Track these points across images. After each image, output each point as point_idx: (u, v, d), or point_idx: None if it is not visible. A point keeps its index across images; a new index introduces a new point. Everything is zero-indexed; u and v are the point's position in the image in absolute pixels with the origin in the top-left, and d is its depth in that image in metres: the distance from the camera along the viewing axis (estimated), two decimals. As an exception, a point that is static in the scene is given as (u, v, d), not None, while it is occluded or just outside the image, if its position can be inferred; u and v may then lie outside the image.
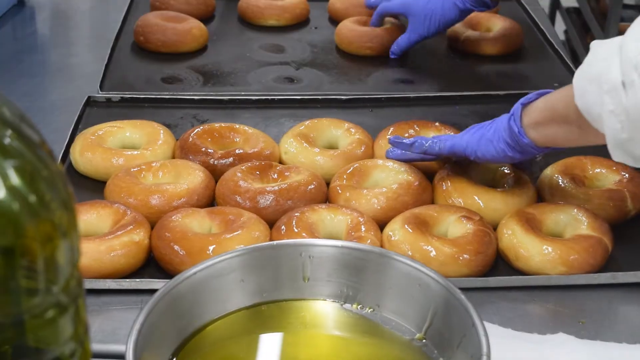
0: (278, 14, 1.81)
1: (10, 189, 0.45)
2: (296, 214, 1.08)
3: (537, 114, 1.04)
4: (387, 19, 1.72)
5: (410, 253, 1.02)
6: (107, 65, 1.58)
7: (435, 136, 1.18)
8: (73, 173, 1.24)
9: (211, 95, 1.49)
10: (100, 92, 1.48)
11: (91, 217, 1.07)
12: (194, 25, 1.69)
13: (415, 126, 1.32)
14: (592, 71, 0.91)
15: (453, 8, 1.55)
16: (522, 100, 1.07)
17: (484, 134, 1.11)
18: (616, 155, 0.92)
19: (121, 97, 1.46)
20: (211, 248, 1.02)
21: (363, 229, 1.06)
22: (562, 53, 1.70)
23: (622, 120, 0.87)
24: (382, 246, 1.05)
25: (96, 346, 0.90)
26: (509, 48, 1.70)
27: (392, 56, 1.65)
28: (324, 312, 0.90)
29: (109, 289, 1.01)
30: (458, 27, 1.72)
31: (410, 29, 1.61)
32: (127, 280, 1.02)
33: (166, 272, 1.04)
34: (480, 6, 1.54)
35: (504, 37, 1.69)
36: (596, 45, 0.94)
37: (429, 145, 1.17)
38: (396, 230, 1.06)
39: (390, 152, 1.23)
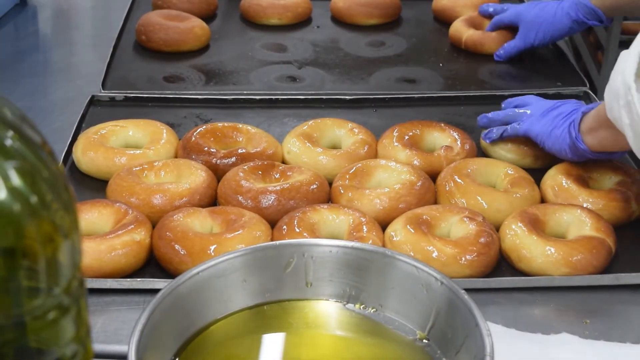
0: (280, 13, 1.81)
1: (12, 190, 0.45)
2: (298, 214, 1.08)
3: (590, 120, 1.14)
4: None
5: (412, 253, 1.02)
6: (109, 65, 1.57)
7: (512, 113, 1.30)
8: (75, 172, 1.24)
9: (215, 94, 1.49)
10: (102, 92, 1.48)
11: (92, 216, 1.07)
12: (196, 24, 1.68)
13: (419, 127, 1.31)
14: (611, 85, 0.97)
15: (565, 18, 1.55)
16: (583, 108, 1.17)
17: (555, 127, 1.19)
18: None
19: (125, 96, 1.46)
20: (212, 248, 1.02)
21: (365, 229, 1.06)
22: (565, 52, 1.69)
23: (637, 132, 0.94)
24: (384, 246, 1.05)
25: (98, 346, 0.90)
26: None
27: (496, 58, 1.66)
28: (327, 312, 0.90)
29: (110, 289, 1.01)
30: (460, 26, 1.71)
31: (519, 36, 1.63)
32: (128, 279, 1.02)
33: (167, 272, 1.04)
34: (594, 20, 1.53)
35: (506, 37, 1.68)
36: (620, 57, 0.98)
37: (511, 129, 1.28)
38: (398, 230, 1.06)
39: (486, 136, 1.32)
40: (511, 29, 1.67)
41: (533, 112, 1.26)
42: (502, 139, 1.29)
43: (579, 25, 1.55)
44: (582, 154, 1.16)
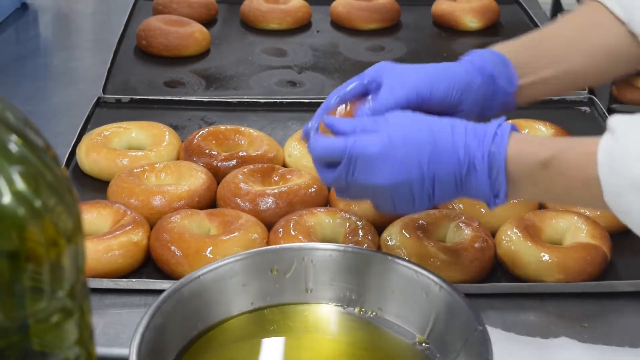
0: (280, 18, 1.81)
1: (16, 194, 0.45)
2: (294, 217, 1.08)
3: (545, 172, 0.85)
4: None
5: (406, 258, 1.02)
6: (109, 69, 1.58)
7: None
8: (78, 173, 1.25)
9: (219, 98, 1.49)
10: (104, 95, 1.49)
11: (91, 217, 1.08)
12: (196, 29, 1.69)
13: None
14: (630, 174, 0.78)
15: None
16: (497, 146, 0.85)
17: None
18: None
19: (130, 98, 1.47)
20: (208, 250, 1.02)
21: (361, 233, 1.06)
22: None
23: None
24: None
25: (100, 350, 0.90)
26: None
27: None
28: (327, 316, 0.91)
29: (110, 290, 1.01)
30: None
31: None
32: (124, 280, 1.02)
33: (164, 273, 1.04)
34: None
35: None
36: (621, 130, 0.79)
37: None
38: (393, 234, 1.06)
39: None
40: None
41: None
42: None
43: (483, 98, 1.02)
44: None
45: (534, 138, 0.91)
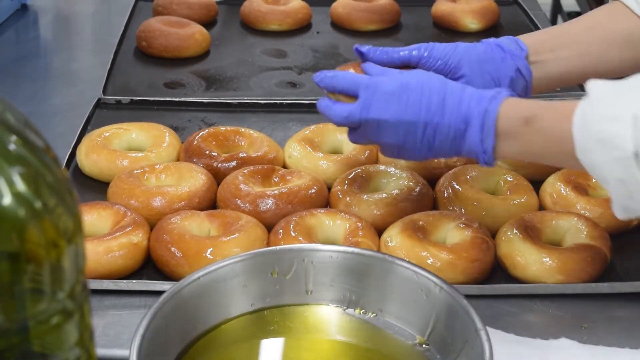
0: (280, 19, 1.81)
1: (16, 195, 0.45)
2: (294, 218, 1.08)
3: (527, 128, 0.92)
4: None
5: (406, 259, 1.02)
6: (109, 70, 1.58)
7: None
8: (78, 174, 1.25)
9: (219, 99, 1.49)
10: (105, 96, 1.49)
11: (92, 218, 1.08)
12: (197, 30, 1.69)
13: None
14: (598, 131, 0.83)
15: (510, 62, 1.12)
16: (491, 105, 0.94)
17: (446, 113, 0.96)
18: (620, 214, 0.89)
19: (131, 99, 1.47)
20: (208, 251, 1.02)
21: (361, 234, 1.06)
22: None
23: (632, 190, 0.83)
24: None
25: (100, 351, 0.90)
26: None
27: None
28: (327, 317, 0.90)
29: (110, 291, 1.01)
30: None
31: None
32: (124, 281, 1.02)
33: (164, 274, 1.04)
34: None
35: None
36: (597, 92, 0.85)
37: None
38: (393, 236, 1.06)
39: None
40: None
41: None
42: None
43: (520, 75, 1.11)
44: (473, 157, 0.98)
45: (526, 100, 0.96)
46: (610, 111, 0.83)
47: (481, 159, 0.96)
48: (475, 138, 0.95)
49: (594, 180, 1.20)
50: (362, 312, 0.90)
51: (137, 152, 1.25)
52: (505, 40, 1.10)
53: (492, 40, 1.10)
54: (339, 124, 1.02)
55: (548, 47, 1.10)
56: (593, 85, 0.86)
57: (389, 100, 0.97)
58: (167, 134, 1.30)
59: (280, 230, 1.06)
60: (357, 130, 1.01)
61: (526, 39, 1.11)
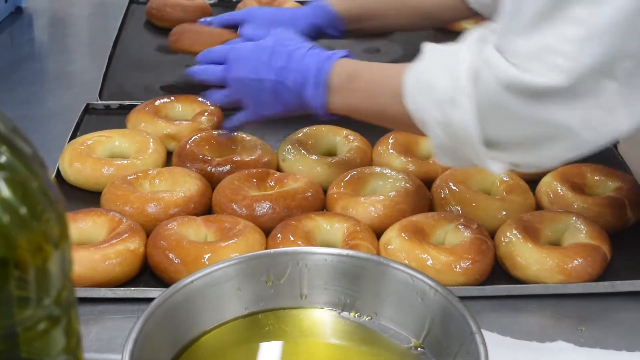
0: (276, 21, 1.81)
1: (1, 201, 0.45)
2: (292, 222, 1.07)
3: (351, 84, 1.06)
4: None
5: (406, 261, 1.01)
6: (105, 74, 1.57)
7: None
8: (62, 184, 1.22)
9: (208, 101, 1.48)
10: (98, 101, 1.48)
11: (86, 225, 1.07)
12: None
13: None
14: (424, 79, 0.93)
15: (306, 23, 1.43)
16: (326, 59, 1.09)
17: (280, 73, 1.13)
18: (441, 160, 0.97)
19: (119, 104, 1.46)
20: (206, 256, 1.01)
21: (360, 237, 1.05)
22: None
23: (449, 133, 0.91)
24: (378, 254, 1.05)
25: (92, 355, 0.91)
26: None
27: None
28: (322, 321, 0.90)
29: (104, 298, 1.01)
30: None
31: None
32: (122, 288, 1.01)
33: (162, 281, 1.04)
34: (334, 29, 1.45)
35: None
36: (430, 50, 0.96)
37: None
38: (392, 238, 1.06)
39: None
40: None
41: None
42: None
43: (315, 35, 1.41)
44: (308, 109, 1.12)
45: (359, 62, 1.09)
46: (435, 60, 0.93)
47: (318, 112, 1.10)
48: (311, 93, 1.08)
49: (587, 180, 1.20)
50: (357, 316, 0.90)
51: (122, 159, 1.24)
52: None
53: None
54: (210, 82, 1.21)
55: (360, 17, 1.41)
56: (427, 47, 0.96)
57: (247, 61, 1.15)
58: (151, 140, 1.29)
59: (279, 235, 1.06)
60: (225, 92, 1.20)
61: (339, 6, 1.40)
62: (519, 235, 1.06)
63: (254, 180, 1.18)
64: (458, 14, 1.38)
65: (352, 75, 1.06)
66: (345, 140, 1.31)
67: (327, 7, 1.40)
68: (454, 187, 1.16)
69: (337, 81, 1.07)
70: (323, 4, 1.40)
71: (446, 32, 1.80)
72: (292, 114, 1.16)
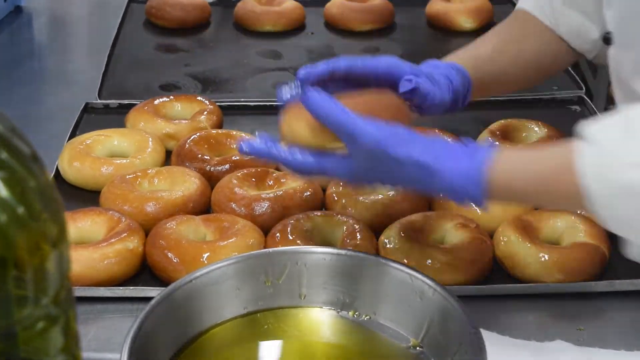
0: (274, 20, 1.80)
1: (-1, 200, 0.45)
2: (291, 221, 1.07)
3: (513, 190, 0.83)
4: None
5: (405, 261, 1.01)
6: (104, 73, 1.57)
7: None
8: (61, 183, 1.22)
9: (206, 100, 1.48)
10: (97, 100, 1.48)
11: (86, 224, 1.07)
12: None
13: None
14: (620, 179, 0.73)
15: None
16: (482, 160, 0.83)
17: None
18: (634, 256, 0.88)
19: (119, 103, 1.46)
20: (205, 256, 1.01)
21: (359, 236, 1.05)
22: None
23: None
24: (377, 254, 1.05)
25: (91, 354, 0.90)
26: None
27: None
28: (321, 320, 0.90)
29: (103, 297, 1.01)
30: None
31: None
32: (121, 287, 1.02)
33: (161, 280, 1.04)
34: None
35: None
36: (612, 144, 0.76)
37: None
38: (391, 237, 1.06)
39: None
40: None
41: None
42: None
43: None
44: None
45: (516, 151, 0.90)
46: (629, 158, 0.74)
47: (475, 205, 0.86)
48: (469, 194, 0.84)
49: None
50: (356, 315, 0.90)
51: (121, 158, 1.24)
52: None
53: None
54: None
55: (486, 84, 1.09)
56: (591, 130, 0.76)
57: (389, 170, 0.85)
58: (150, 139, 1.29)
59: (278, 234, 1.06)
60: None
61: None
62: (517, 235, 1.05)
63: (253, 179, 1.18)
64: (563, 58, 1.14)
65: (513, 180, 0.83)
66: (345, 140, 1.30)
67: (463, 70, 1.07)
68: (452, 187, 1.16)
69: (505, 181, 0.83)
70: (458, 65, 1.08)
71: (446, 32, 1.80)
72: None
